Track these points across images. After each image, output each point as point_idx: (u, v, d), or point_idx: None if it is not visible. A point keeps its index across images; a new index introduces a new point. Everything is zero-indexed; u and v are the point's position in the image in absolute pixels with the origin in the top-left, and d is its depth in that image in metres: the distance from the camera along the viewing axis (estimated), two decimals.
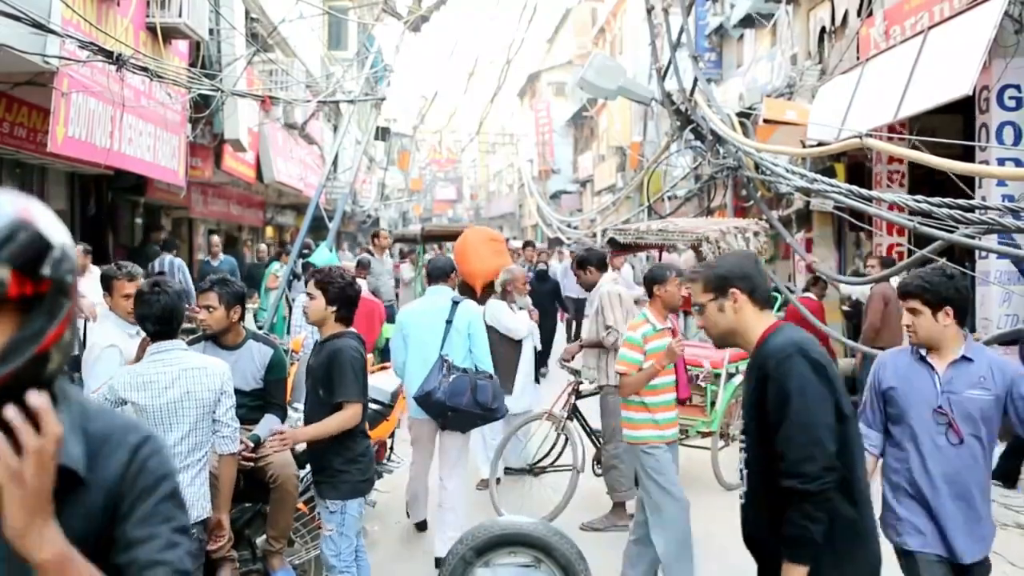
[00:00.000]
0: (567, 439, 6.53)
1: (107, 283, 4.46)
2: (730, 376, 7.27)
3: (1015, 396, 3.19)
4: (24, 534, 1.20)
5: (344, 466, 4.05)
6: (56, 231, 1.33)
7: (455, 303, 5.71)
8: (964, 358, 3.28)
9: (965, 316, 3.41)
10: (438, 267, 6.01)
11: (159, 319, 3.63)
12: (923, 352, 3.36)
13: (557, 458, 6.65)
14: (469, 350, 5.59)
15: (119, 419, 1.46)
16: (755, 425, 2.60)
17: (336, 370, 3.99)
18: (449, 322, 5.57)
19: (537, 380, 8.04)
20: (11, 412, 1.19)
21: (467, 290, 8.08)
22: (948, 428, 3.20)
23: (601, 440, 6.58)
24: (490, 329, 6.30)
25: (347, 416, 4.01)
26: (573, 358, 6.55)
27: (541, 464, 6.62)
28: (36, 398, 1.21)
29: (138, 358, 4.00)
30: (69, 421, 1.33)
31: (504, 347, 6.77)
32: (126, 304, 4.28)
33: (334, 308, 4.09)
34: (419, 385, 5.31)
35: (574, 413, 6.64)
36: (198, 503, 3.66)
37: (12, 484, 1.19)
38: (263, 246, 15.59)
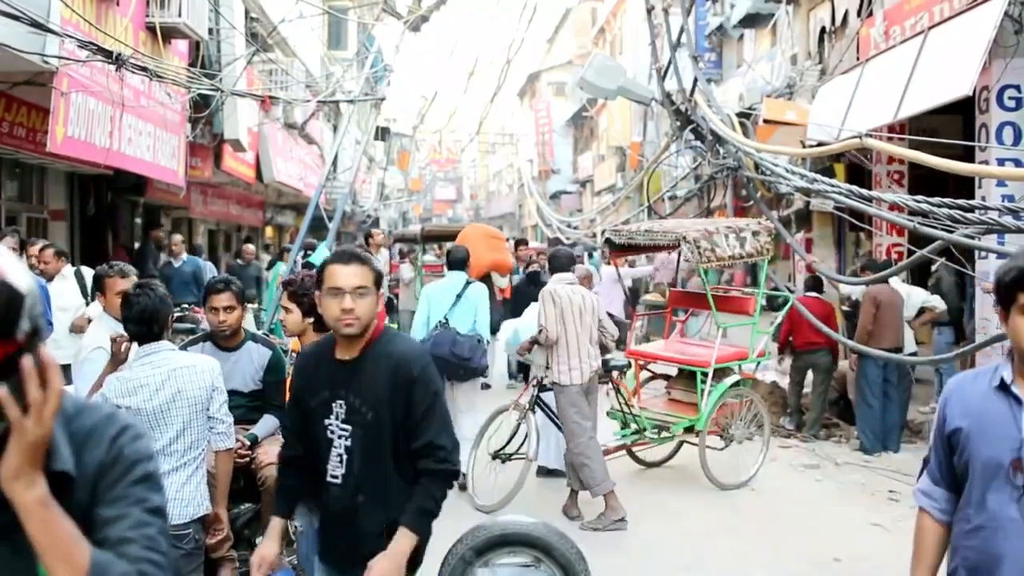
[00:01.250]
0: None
1: (99, 283, 4.38)
2: (718, 375, 7.26)
3: None
4: (17, 477, 1.30)
5: None
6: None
7: (468, 283, 7.27)
8: None
9: None
10: (457, 256, 7.48)
11: (138, 320, 3.59)
12: (1007, 376, 2.34)
13: (520, 446, 6.72)
14: (475, 320, 7.06)
15: (101, 413, 1.50)
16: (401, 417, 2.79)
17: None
18: (459, 296, 7.11)
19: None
20: (26, 363, 1.28)
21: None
22: None
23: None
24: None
25: None
26: (529, 351, 6.64)
27: (507, 451, 6.73)
28: (45, 354, 1.30)
29: (113, 369, 3.91)
30: (56, 425, 1.37)
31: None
32: (119, 303, 4.24)
33: (311, 319, 3.99)
34: (421, 333, 6.92)
35: (536, 404, 6.73)
36: (194, 501, 3.65)
37: (15, 432, 1.28)
38: (249, 246, 14.88)
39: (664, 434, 7.26)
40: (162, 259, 11.79)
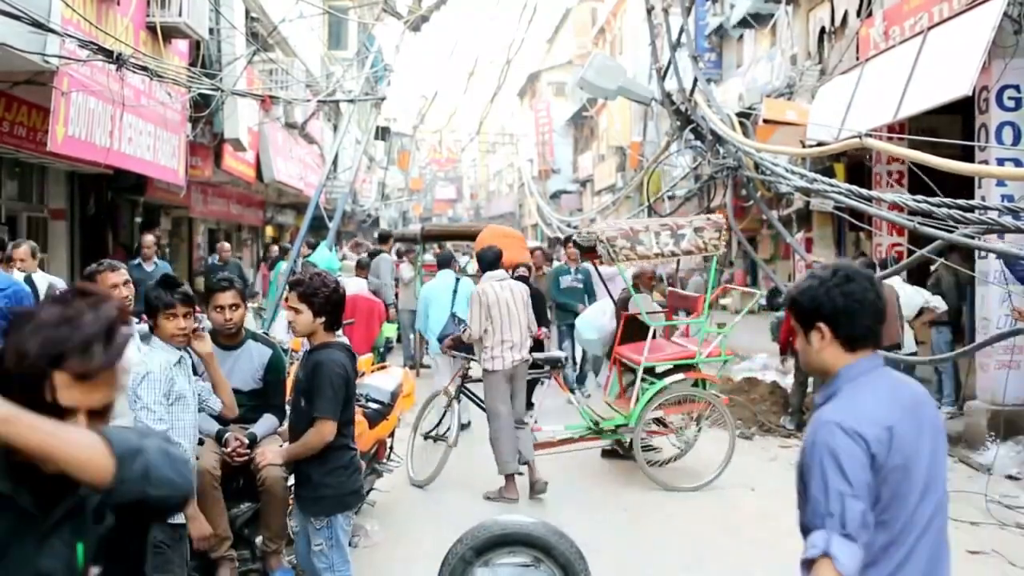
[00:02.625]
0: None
1: (91, 280, 4.24)
2: (651, 373, 7.27)
3: None
4: None
5: (325, 479, 3.86)
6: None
7: (457, 279, 8.98)
8: None
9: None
10: (444, 258, 9.54)
11: None
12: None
13: (447, 431, 7.23)
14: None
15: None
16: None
17: (316, 384, 3.81)
18: (455, 292, 8.74)
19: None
20: None
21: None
22: None
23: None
24: (629, 320, 7.81)
25: (321, 434, 3.81)
26: (452, 347, 7.49)
27: (436, 433, 7.30)
28: None
29: None
30: None
31: (639, 333, 7.59)
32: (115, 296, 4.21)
33: (322, 319, 3.85)
34: (439, 330, 8.16)
35: (460, 392, 7.32)
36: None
37: None
38: (225, 244, 14.07)
39: (605, 430, 7.41)
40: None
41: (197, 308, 4.17)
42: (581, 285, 10.79)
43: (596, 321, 8.90)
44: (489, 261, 7.10)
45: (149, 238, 10.53)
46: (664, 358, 7.42)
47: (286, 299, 3.96)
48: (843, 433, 2.07)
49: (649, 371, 7.33)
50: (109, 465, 1.49)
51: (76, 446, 1.47)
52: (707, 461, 7.38)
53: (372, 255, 12.48)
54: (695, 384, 7.32)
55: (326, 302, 3.80)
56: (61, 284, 7.37)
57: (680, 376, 7.28)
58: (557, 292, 10.76)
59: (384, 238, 13.47)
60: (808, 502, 2.17)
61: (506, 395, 6.80)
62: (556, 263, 12.12)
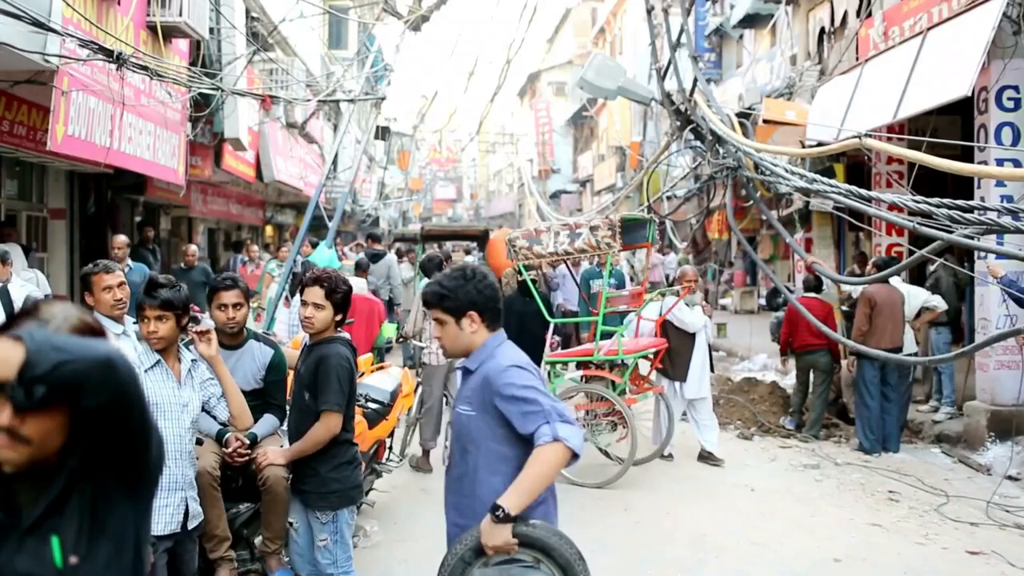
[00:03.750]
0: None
1: (86, 282, 4.26)
2: (553, 368, 7.63)
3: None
4: None
5: (331, 473, 3.94)
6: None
7: None
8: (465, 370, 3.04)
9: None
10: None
11: None
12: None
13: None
14: None
15: None
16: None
17: (321, 377, 3.86)
18: None
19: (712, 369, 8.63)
20: None
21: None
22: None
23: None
24: (667, 322, 7.83)
25: (328, 426, 3.89)
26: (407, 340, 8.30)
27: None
28: None
29: None
30: None
31: (679, 339, 7.83)
32: (108, 298, 4.15)
33: (339, 316, 3.97)
34: None
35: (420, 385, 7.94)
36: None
37: None
38: (192, 247, 12.94)
39: None
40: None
41: (194, 309, 4.16)
42: (615, 289, 9.81)
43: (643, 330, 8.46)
44: (433, 268, 8.03)
45: (120, 238, 9.80)
46: (562, 355, 7.91)
47: (302, 297, 3.99)
48: (520, 368, 2.88)
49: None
50: (17, 342, 1.47)
51: None
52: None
53: (373, 257, 12.50)
54: (609, 386, 7.43)
55: (344, 299, 3.98)
56: (39, 293, 7.27)
57: (578, 373, 7.60)
58: (590, 297, 9.96)
59: (377, 239, 13.54)
60: (525, 418, 2.80)
61: (441, 386, 7.71)
62: (585, 265, 11.22)
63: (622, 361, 7.46)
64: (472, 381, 2.96)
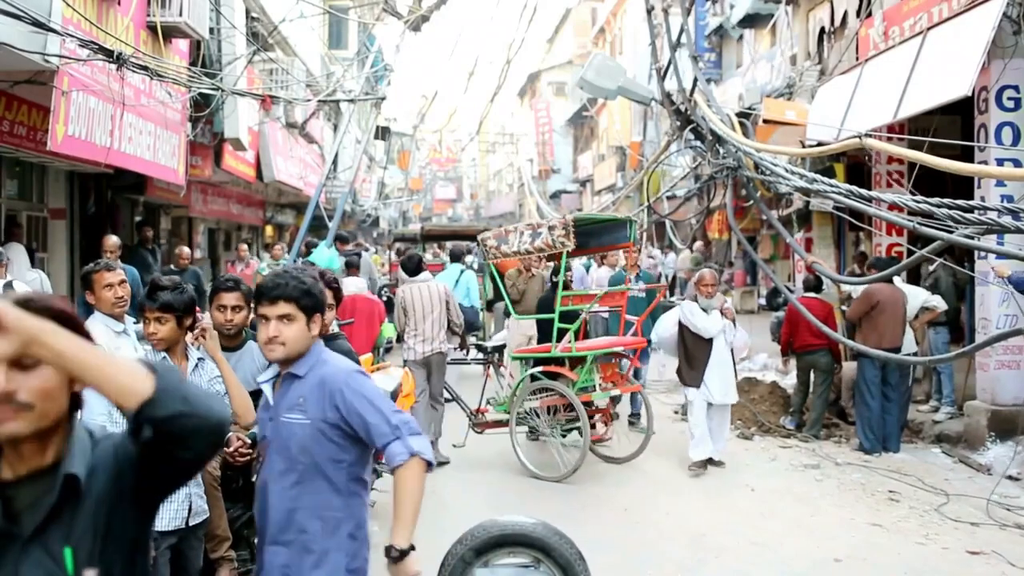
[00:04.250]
0: None
1: (87, 281, 4.24)
2: (524, 364, 8.01)
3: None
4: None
5: None
6: None
7: (461, 271, 11.28)
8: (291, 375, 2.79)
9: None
10: (456, 251, 12.11)
11: None
12: None
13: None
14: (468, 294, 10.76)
15: (112, 440, 1.66)
16: None
17: None
18: (457, 281, 10.81)
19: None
20: None
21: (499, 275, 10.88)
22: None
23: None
24: (683, 327, 7.75)
25: None
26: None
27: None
28: None
29: None
30: (79, 449, 1.61)
31: (695, 344, 7.69)
32: (109, 296, 4.14)
33: (334, 313, 4.11)
34: None
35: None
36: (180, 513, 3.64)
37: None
38: (184, 249, 12.33)
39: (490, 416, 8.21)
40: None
41: (197, 310, 4.15)
42: (644, 294, 9.42)
43: (665, 332, 8.26)
44: (411, 269, 8.26)
45: (112, 239, 9.31)
46: (526, 351, 8.19)
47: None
48: (364, 375, 2.80)
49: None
50: (149, 378, 1.49)
51: (114, 365, 1.49)
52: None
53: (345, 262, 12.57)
54: (568, 384, 7.54)
55: (337, 294, 4.22)
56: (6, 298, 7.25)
57: (530, 370, 7.83)
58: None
59: (344, 240, 13.64)
60: (370, 431, 2.67)
61: (422, 379, 7.84)
62: (616, 269, 10.70)
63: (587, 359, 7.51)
64: (302, 388, 2.72)
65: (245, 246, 15.34)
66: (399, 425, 2.65)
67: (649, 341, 8.56)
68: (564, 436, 7.65)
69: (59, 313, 1.57)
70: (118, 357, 1.56)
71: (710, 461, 7.79)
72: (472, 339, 9.91)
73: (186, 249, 12.45)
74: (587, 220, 8.45)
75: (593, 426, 7.87)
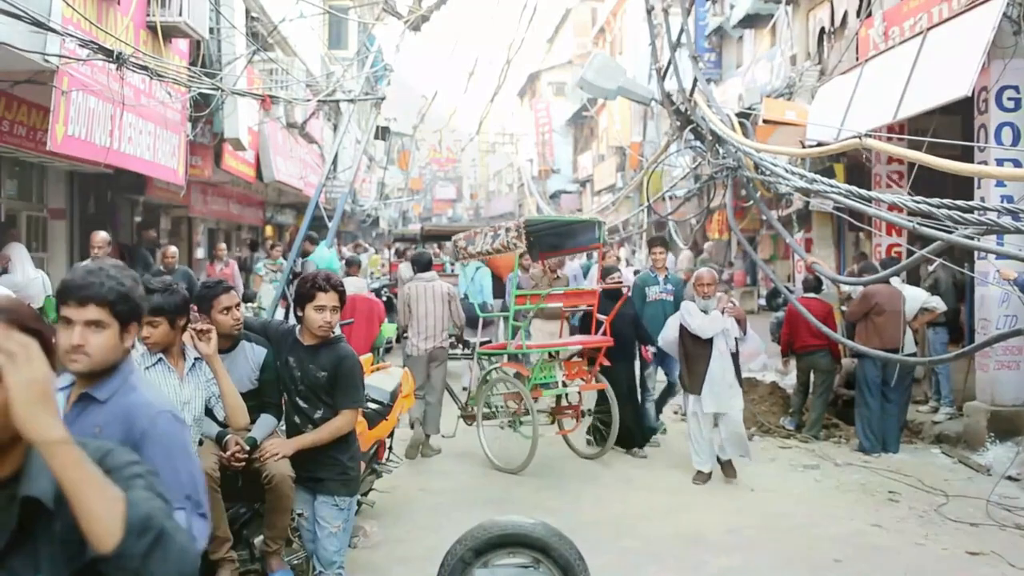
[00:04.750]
0: None
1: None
2: (488, 359, 8.32)
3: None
4: (30, 419, 1.37)
5: (350, 461, 4.19)
6: None
7: (477, 268, 11.27)
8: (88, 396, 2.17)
9: None
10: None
11: None
12: None
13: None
14: (481, 291, 10.95)
15: (91, 446, 1.59)
16: None
17: (346, 375, 4.08)
18: (472, 278, 11.20)
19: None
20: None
21: (496, 279, 11.46)
22: None
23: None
24: (684, 329, 7.57)
25: (349, 420, 4.12)
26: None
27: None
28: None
29: None
30: (42, 465, 1.46)
31: (694, 347, 7.47)
32: None
33: (338, 316, 4.16)
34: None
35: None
36: None
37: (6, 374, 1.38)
38: (171, 248, 11.59)
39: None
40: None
41: (194, 308, 4.15)
42: (672, 297, 8.88)
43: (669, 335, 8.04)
44: (422, 265, 8.43)
45: (100, 235, 8.87)
46: (489, 348, 8.49)
47: (318, 302, 4.05)
48: (176, 418, 2.20)
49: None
50: (116, 532, 1.41)
51: (100, 498, 1.41)
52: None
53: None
54: (521, 379, 7.87)
55: (341, 296, 4.16)
56: (42, 294, 7.17)
57: (492, 366, 8.23)
58: (642, 307, 8.83)
59: (315, 240, 13.58)
60: (166, 484, 1.91)
61: (423, 374, 7.94)
62: (641, 272, 10.32)
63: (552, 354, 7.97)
64: (100, 416, 2.13)
65: (223, 245, 15.14)
66: (192, 496, 2.07)
67: (658, 347, 8.34)
68: (518, 427, 7.95)
69: (29, 328, 1.53)
70: (106, 487, 1.44)
71: (724, 468, 7.51)
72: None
73: (172, 248, 11.75)
74: (542, 222, 9.02)
75: (556, 421, 8.30)
